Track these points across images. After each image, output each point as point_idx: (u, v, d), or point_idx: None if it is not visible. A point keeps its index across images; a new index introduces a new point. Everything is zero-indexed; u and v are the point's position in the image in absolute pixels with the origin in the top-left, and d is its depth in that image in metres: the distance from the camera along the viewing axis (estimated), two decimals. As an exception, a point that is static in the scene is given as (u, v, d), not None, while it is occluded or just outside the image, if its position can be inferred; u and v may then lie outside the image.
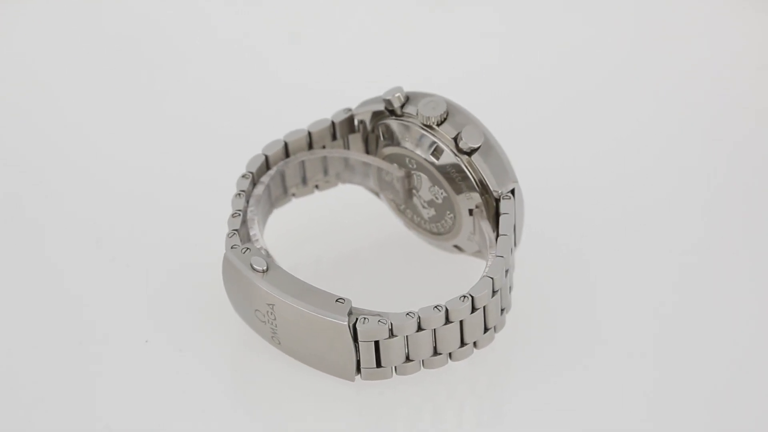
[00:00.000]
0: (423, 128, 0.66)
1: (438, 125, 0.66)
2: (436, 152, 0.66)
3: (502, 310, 0.65)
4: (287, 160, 0.70)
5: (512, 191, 0.65)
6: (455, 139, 0.66)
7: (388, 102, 0.67)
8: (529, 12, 0.90)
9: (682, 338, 0.67)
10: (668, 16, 0.89)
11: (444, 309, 0.62)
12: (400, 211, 0.71)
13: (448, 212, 0.68)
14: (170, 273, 0.72)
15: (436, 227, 0.70)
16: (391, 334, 0.62)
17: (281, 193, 0.71)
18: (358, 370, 0.63)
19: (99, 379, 0.67)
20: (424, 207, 0.69)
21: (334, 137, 0.70)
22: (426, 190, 0.68)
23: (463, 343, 0.63)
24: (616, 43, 0.88)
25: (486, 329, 0.64)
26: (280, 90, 0.85)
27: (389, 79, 0.83)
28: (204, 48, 0.89)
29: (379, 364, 0.63)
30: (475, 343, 0.64)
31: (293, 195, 0.71)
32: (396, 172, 0.69)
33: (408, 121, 0.67)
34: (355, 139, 0.70)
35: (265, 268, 0.63)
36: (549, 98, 0.84)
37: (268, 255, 0.66)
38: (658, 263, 0.71)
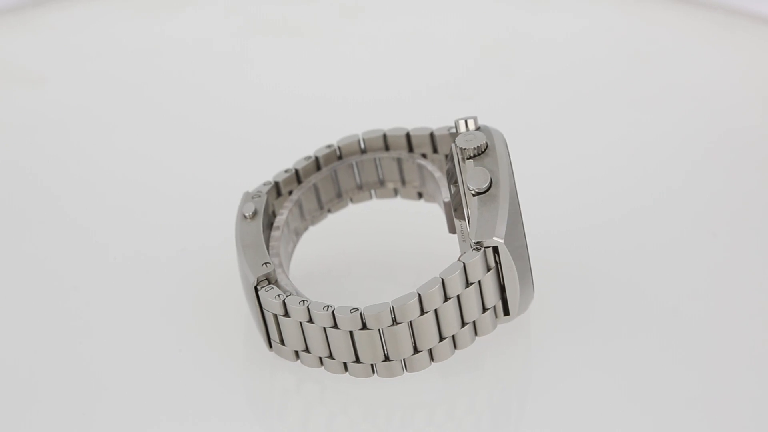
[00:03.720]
0: (458, 160, 0.64)
1: (466, 160, 0.64)
2: (454, 185, 0.65)
3: (418, 351, 0.61)
4: (384, 152, 0.68)
5: (495, 249, 0.61)
6: None
7: (456, 126, 0.66)
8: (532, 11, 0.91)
9: (687, 343, 0.67)
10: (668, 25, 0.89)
11: (331, 311, 0.60)
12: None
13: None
14: (170, 273, 0.72)
15: None
16: (286, 314, 0.61)
17: (375, 180, 0.69)
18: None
19: (98, 379, 0.67)
20: (462, 239, 0.66)
21: (434, 150, 0.69)
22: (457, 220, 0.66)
23: (357, 360, 0.61)
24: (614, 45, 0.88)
25: (387, 359, 0.61)
26: (285, 95, 0.85)
27: (389, 81, 0.83)
28: (213, 53, 0.89)
29: (282, 342, 0.63)
30: (372, 367, 0.61)
31: (395, 191, 0.70)
32: (443, 196, 0.67)
33: (456, 150, 0.65)
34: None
35: (250, 214, 0.64)
36: (547, 100, 0.84)
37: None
38: (660, 265, 0.71)
